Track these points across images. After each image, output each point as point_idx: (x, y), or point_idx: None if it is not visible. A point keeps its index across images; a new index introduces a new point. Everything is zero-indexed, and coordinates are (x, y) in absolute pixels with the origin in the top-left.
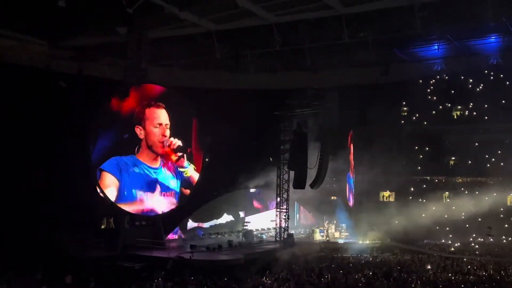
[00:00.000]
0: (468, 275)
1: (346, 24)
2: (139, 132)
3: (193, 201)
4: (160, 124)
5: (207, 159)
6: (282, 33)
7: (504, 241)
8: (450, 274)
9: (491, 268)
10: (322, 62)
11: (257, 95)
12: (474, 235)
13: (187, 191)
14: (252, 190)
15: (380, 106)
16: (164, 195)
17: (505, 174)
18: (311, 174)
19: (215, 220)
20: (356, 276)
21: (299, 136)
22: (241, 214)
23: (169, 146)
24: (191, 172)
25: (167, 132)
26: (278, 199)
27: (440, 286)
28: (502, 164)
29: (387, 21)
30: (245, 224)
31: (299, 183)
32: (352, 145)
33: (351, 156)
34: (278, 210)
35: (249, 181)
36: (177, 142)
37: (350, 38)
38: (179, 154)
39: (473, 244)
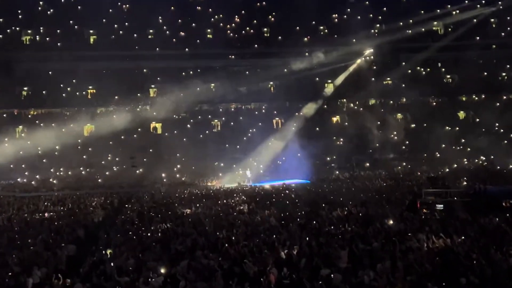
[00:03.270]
0: (45, 212)
1: None
2: None
3: None
4: None
5: None
6: None
7: (83, 172)
8: (26, 214)
9: (70, 202)
10: None
11: None
12: (52, 169)
13: None
14: None
15: None
16: None
17: (79, 105)
18: None
19: None
20: None
21: None
22: None
23: None
24: None
25: None
26: None
27: (17, 228)
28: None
29: None
30: None
31: None
32: None
33: None
34: None
35: None
36: None
37: None
38: None
39: (51, 180)
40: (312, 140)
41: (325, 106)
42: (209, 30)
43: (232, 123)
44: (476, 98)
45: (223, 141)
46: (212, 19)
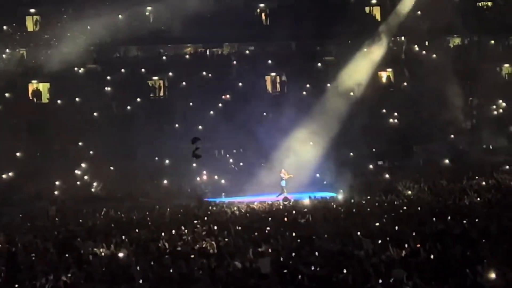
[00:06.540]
0: None
1: None
2: None
3: None
4: None
5: None
6: None
7: None
8: None
9: None
10: None
11: None
12: None
13: None
14: None
15: None
16: None
17: None
18: None
19: None
20: None
21: None
22: None
23: None
24: None
25: None
26: None
27: None
28: None
29: None
30: None
31: None
32: None
33: None
34: None
35: None
36: None
37: None
38: None
39: None
40: (337, 114)
41: (365, 50)
42: None
43: (184, 83)
44: None
45: (168, 117)
46: None
